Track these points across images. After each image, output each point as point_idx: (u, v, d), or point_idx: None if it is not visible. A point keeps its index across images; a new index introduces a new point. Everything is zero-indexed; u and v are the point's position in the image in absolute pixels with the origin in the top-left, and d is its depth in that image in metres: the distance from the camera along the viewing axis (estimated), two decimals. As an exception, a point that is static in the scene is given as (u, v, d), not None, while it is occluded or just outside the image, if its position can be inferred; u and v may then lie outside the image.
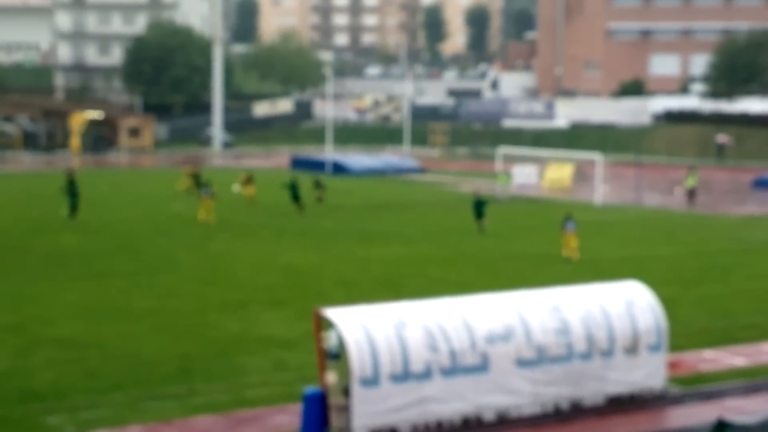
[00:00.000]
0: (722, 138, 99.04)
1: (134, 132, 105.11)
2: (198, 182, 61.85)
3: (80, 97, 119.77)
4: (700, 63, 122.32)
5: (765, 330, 31.40)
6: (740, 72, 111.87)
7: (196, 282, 37.68)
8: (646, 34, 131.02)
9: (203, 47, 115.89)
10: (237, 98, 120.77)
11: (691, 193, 67.42)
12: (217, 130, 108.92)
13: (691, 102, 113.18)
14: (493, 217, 53.26)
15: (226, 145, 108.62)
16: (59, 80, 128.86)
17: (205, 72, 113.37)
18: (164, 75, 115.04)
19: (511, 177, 71.96)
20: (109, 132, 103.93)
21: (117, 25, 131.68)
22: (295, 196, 57.56)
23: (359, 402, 21.51)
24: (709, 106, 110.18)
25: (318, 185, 61.47)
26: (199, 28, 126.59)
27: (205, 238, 48.12)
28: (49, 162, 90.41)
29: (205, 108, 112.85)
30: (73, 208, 53.14)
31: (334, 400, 21.99)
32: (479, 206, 51.51)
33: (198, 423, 22.47)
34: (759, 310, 34.30)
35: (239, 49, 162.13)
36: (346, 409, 21.76)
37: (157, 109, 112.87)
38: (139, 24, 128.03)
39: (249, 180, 60.74)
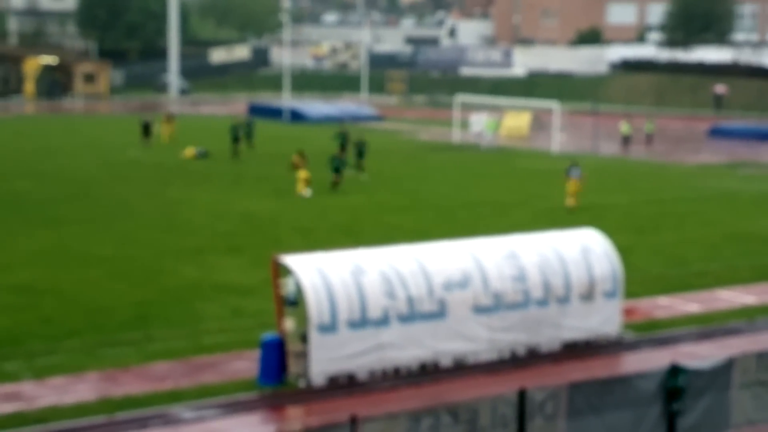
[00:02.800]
0: (720, 88, 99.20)
1: (89, 78, 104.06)
2: (147, 131, 61.39)
3: (34, 42, 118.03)
4: (656, 12, 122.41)
5: (718, 277, 31.75)
6: (697, 21, 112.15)
7: (153, 229, 37.55)
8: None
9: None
10: (193, 44, 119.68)
11: (626, 140, 68.24)
12: (173, 76, 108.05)
13: (648, 51, 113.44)
14: (449, 165, 53.33)
15: (183, 92, 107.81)
16: (12, 25, 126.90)
17: (161, 17, 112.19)
18: (119, 20, 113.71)
19: (470, 125, 71.99)
20: (63, 77, 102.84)
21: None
22: (236, 138, 58.79)
23: (317, 348, 21.58)
24: (666, 55, 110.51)
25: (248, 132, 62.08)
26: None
27: (162, 184, 47.89)
28: (3, 107, 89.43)
29: (161, 54, 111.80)
30: None
31: (292, 346, 22.04)
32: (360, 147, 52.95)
33: (155, 369, 22.47)
34: (712, 258, 34.66)
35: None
36: (303, 356, 21.83)
37: (112, 55, 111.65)
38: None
39: (170, 119, 62.41)
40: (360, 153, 52.74)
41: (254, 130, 62.84)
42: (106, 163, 54.77)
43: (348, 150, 56.22)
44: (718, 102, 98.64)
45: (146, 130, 62.01)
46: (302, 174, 45.75)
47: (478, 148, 64.46)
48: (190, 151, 58.18)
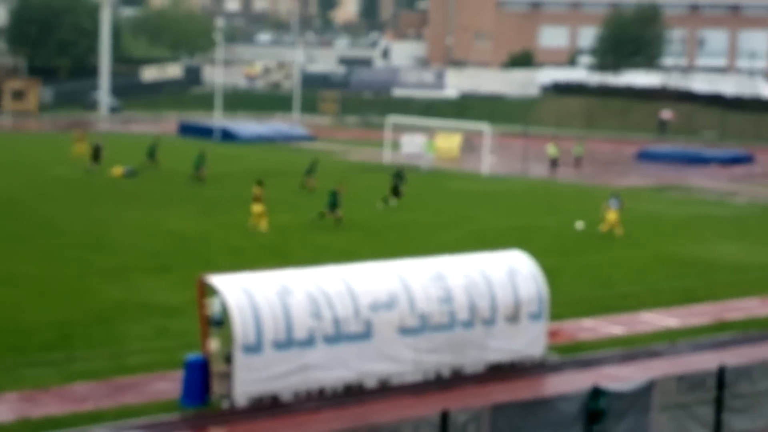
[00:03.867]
0: (666, 114, 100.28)
1: (18, 95, 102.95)
2: (97, 155, 59.69)
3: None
4: (588, 36, 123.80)
5: (642, 299, 32.07)
6: (626, 45, 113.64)
7: (79, 248, 37.15)
8: (535, 6, 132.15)
9: (91, 10, 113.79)
10: (125, 62, 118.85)
11: (554, 163, 68.87)
12: (103, 94, 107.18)
13: (579, 74, 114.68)
14: (379, 185, 53.35)
15: (113, 110, 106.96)
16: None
17: (93, 35, 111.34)
18: (50, 37, 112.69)
19: (401, 146, 72.24)
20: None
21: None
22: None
23: (241, 369, 21.46)
24: (596, 78, 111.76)
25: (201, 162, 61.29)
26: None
27: (90, 203, 47.43)
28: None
29: (92, 72, 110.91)
30: None
31: (216, 367, 21.90)
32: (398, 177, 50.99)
33: (76, 390, 22.19)
34: (637, 280, 35.01)
35: (128, 12, 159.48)
36: (227, 376, 21.70)
37: (42, 72, 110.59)
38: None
39: (81, 138, 61.87)
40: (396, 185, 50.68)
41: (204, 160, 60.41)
42: (33, 181, 54.15)
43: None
44: (663, 127, 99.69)
45: (96, 153, 60.53)
46: (257, 208, 42.11)
47: (418, 170, 64.27)
48: (118, 170, 57.69)
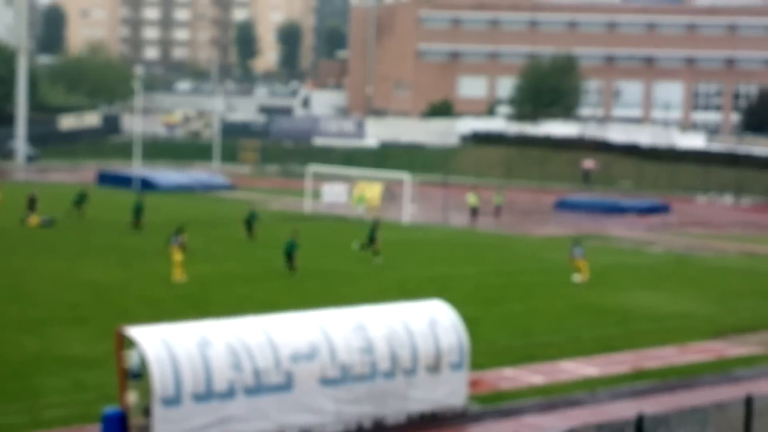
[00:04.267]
0: (588, 163, 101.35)
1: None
2: (32, 205, 58.72)
3: None
4: (506, 86, 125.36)
5: (562, 348, 32.28)
6: (544, 95, 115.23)
7: (-6, 299, 36.53)
8: (454, 55, 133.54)
9: (7, 57, 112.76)
10: (42, 110, 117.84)
11: (474, 211, 69.36)
12: (20, 142, 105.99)
13: (498, 124, 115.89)
14: (301, 235, 53.22)
15: (30, 159, 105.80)
16: None
17: (9, 83, 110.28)
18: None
19: (322, 195, 72.33)
20: None
21: None
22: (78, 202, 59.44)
23: (160, 422, 21.17)
24: (515, 128, 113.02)
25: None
26: (2, 37, 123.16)
27: (5, 253, 46.72)
28: None
29: (9, 120, 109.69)
30: None
31: (135, 420, 21.61)
32: (372, 231, 49.96)
33: (-8, 445, 21.78)
34: (557, 329, 35.25)
35: (45, 60, 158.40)
36: (146, 429, 21.41)
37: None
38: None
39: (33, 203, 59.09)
40: (372, 234, 49.57)
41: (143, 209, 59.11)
42: (-52, 231, 53.26)
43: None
44: (587, 176, 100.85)
45: (32, 203, 58.75)
46: (178, 256, 41.64)
47: (346, 220, 64.13)
48: (34, 219, 56.95)
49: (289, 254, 43.98)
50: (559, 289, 43.34)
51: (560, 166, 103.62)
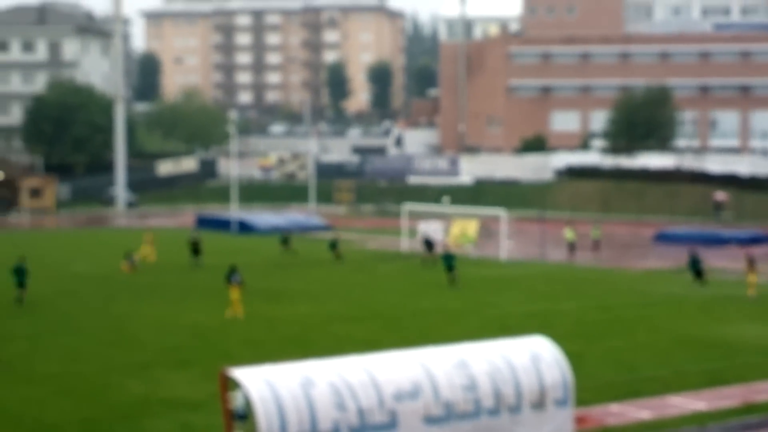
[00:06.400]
0: (720, 195, 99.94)
1: (35, 192, 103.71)
2: (196, 249, 59.55)
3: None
4: (599, 119, 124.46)
5: (668, 383, 31.73)
6: (638, 128, 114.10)
7: (100, 344, 37.06)
8: (546, 90, 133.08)
9: (105, 106, 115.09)
10: (140, 157, 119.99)
11: (572, 246, 68.76)
12: (120, 189, 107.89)
13: (592, 158, 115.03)
14: (398, 274, 53.37)
15: (130, 205, 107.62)
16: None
17: (108, 131, 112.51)
18: (66, 134, 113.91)
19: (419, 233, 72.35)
20: (9, 193, 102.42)
21: (16, 84, 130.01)
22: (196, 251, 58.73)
23: (267, 463, 21.20)
24: (610, 161, 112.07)
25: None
26: (100, 86, 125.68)
27: (109, 299, 47.44)
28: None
29: (108, 167, 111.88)
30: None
31: (242, 461, 21.69)
32: (448, 260, 53.01)
33: (102, 489, 22.00)
34: (662, 363, 34.68)
35: (142, 107, 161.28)
36: (253, 471, 21.46)
37: (58, 169, 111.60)
38: (39, 83, 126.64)
39: (150, 240, 60.08)
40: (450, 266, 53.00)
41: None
42: (53, 278, 54.22)
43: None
44: (719, 208, 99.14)
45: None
46: (235, 294, 42.70)
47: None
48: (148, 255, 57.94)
49: (450, 266, 49.79)
50: (662, 323, 42.68)
51: (658, 199, 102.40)
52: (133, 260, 57.69)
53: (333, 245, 63.38)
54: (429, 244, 58.08)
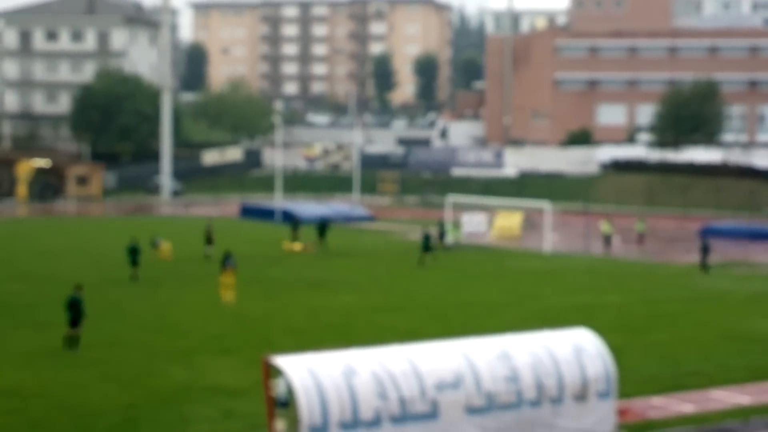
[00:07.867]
0: None
1: (82, 180, 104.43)
2: (209, 240, 59.37)
3: (27, 145, 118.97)
4: (646, 113, 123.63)
5: (712, 377, 31.55)
6: (685, 122, 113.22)
7: (144, 330, 37.33)
8: (592, 84, 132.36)
9: (152, 95, 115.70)
10: (186, 146, 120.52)
11: (608, 239, 68.35)
12: (165, 178, 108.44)
13: (638, 151, 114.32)
14: (441, 265, 53.34)
15: (175, 194, 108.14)
16: (6, 128, 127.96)
17: (154, 120, 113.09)
18: (112, 123, 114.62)
19: (461, 227, 72.27)
20: (56, 180, 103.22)
21: (64, 73, 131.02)
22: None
23: (308, 450, 21.29)
24: (656, 155, 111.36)
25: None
26: (147, 76, 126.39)
27: (153, 286, 47.75)
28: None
29: (154, 156, 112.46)
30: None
31: (283, 448, 21.78)
32: (426, 240, 56.08)
33: (144, 473, 22.17)
34: (705, 357, 34.47)
35: (188, 97, 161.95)
36: (294, 458, 21.56)
37: (105, 158, 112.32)
38: (87, 72, 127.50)
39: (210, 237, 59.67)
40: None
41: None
42: (98, 265, 54.64)
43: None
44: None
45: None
46: (230, 279, 44.37)
47: (485, 249, 64.22)
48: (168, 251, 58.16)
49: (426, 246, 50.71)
50: (706, 317, 42.41)
51: (704, 193, 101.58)
52: (157, 244, 58.15)
53: (427, 239, 58.24)
54: (427, 240, 57.07)
